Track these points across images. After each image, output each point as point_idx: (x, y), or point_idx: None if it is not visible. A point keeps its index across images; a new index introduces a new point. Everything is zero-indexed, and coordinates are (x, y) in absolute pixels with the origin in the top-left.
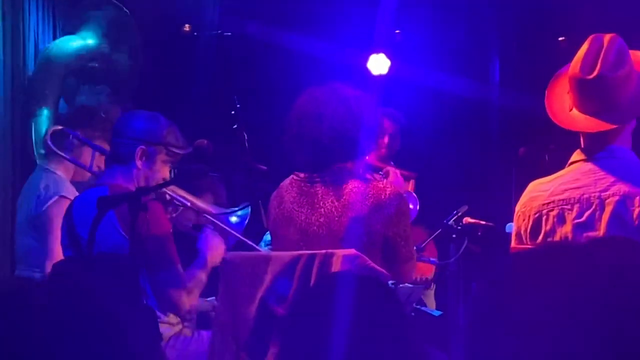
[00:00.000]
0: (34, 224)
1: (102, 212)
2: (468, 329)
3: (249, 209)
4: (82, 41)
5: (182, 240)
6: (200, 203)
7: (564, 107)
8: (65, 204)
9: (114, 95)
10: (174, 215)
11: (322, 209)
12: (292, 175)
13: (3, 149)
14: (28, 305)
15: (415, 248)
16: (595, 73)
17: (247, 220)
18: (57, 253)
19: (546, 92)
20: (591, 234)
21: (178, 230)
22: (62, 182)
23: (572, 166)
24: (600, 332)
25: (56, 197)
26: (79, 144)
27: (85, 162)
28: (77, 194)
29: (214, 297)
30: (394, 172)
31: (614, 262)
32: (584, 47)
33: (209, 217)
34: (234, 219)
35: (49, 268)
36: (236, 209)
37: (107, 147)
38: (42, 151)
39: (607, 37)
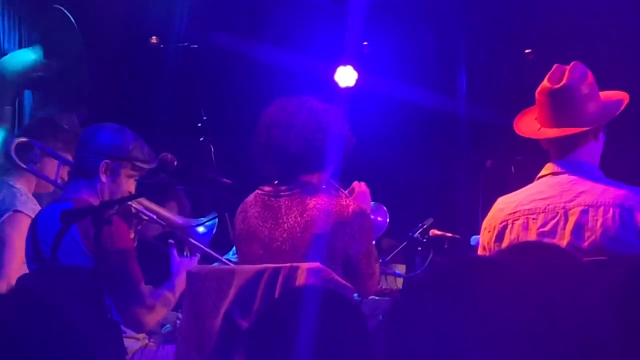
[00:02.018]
0: None
1: (66, 226)
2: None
3: (216, 220)
4: (29, 53)
5: (147, 252)
6: (166, 214)
7: (532, 128)
8: (21, 218)
9: (63, 103)
10: (139, 227)
11: (286, 224)
12: (257, 190)
13: None
14: None
15: (380, 262)
16: (563, 82)
17: (214, 231)
18: (13, 267)
19: (514, 121)
20: (554, 242)
21: (143, 242)
22: (19, 196)
23: (540, 180)
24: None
25: (10, 212)
26: (42, 156)
27: (49, 174)
28: (35, 207)
29: (178, 312)
30: (358, 185)
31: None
32: (550, 71)
33: (175, 228)
34: (201, 229)
35: (2, 282)
36: (203, 219)
37: (70, 158)
38: (5, 164)
39: (570, 64)
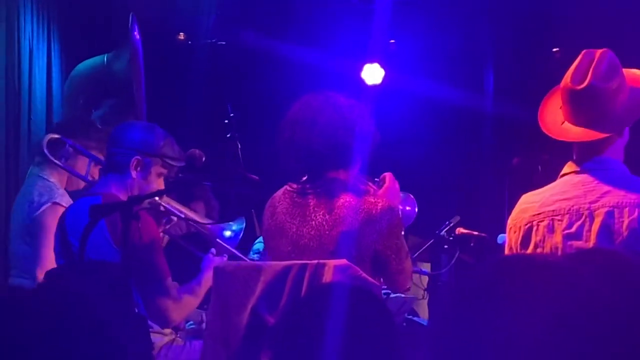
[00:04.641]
0: (28, 230)
1: (94, 221)
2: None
3: (244, 224)
4: (100, 57)
5: (174, 252)
6: (194, 216)
7: (556, 121)
8: (59, 210)
9: (115, 105)
10: (167, 227)
11: (314, 222)
12: (285, 186)
13: None
14: (20, 312)
15: (409, 259)
16: (585, 83)
17: (241, 235)
18: (50, 259)
19: (539, 108)
20: (580, 244)
21: (171, 242)
22: (56, 189)
23: (563, 178)
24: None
25: (49, 204)
26: (74, 153)
27: (80, 171)
28: (70, 201)
29: (204, 309)
30: (390, 176)
31: (593, 274)
32: (576, 61)
33: (202, 230)
34: (227, 233)
35: (40, 274)
36: (231, 223)
37: (102, 157)
38: (38, 158)
39: (598, 51)
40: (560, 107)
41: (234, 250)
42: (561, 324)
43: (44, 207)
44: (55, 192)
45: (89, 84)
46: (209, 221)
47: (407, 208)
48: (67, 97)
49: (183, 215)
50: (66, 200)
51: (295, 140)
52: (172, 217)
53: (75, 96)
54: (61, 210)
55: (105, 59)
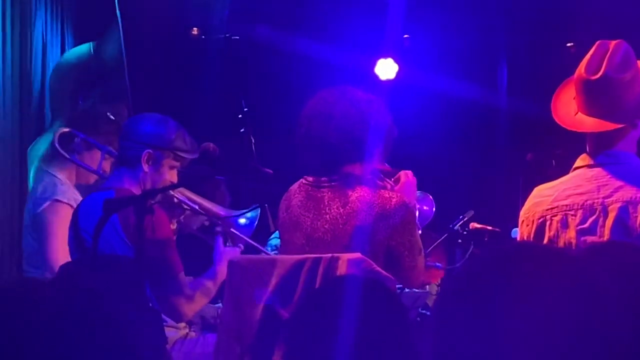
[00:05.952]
0: (33, 225)
1: (107, 215)
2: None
3: (259, 211)
4: (84, 47)
5: (189, 244)
6: (209, 205)
7: (569, 111)
8: (60, 207)
9: (105, 95)
10: (181, 218)
11: (328, 215)
12: (301, 179)
13: (10, 150)
14: (33, 305)
15: (423, 256)
16: (600, 74)
17: (256, 222)
18: (53, 255)
19: (552, 99)
20: (594, 240)
21: (186, 234)
22: (59, 186)
23: (576, 172)
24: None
25: (49, 201)
26: (85, 147)
27: (91, 165)
28: (76, 196)
29: (219, 304)
30: (405, 174)
31: (611, 266)
32: (590, 51)
33: (217, 219)
34: (242, 220)
35: (46, 269)
36: (245, 211)
37: (112, 149)
38: (47, 153)
39: (613, 42)
40: (574, 98)
41: (249, 240)
42: (572, 316)
43: (45, 204)
44: (58, 189)
45: (77, 73)
46: (224, 210)
47: (425, 208)
48: (54, 89)
49: (197, 207)
50: (69, 196)
51: (312, 134)
52: (186, 208)
53: (62, 86)
54: (62, 206)
55: (91, 48)
